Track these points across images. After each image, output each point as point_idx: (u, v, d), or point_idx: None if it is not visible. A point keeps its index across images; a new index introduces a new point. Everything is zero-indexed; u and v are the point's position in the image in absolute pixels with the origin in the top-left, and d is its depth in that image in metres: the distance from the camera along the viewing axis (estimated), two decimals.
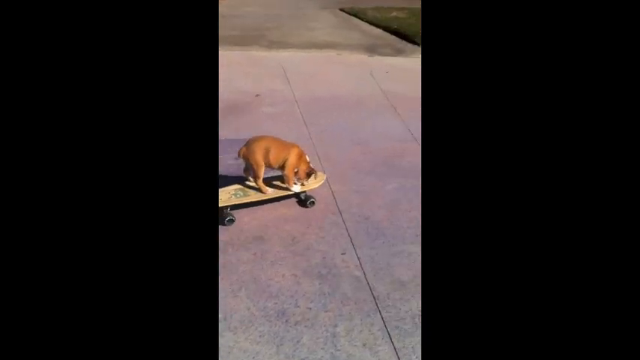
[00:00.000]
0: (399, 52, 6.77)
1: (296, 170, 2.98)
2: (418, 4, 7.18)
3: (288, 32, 7.78)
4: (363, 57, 6.56)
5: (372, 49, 6.90)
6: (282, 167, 2.97)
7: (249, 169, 3.01)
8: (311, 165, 3.03)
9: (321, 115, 4.52)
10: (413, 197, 3.19)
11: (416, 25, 7.62)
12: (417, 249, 2.64)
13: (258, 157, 2.91)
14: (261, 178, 2.98)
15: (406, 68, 6.03)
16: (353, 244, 2.69)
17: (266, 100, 4.89)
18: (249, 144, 2.96)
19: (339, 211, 3.01)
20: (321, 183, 3.14)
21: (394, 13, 8.88)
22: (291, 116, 4.50)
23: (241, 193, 2.98)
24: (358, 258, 2.58)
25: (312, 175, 3.01)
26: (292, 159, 2.95)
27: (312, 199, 3.08)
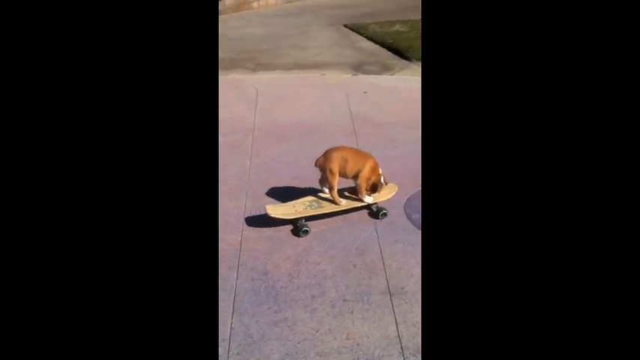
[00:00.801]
0: (385, 69, 6.33)
1: (369, 181, 2.97)
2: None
3: (280, 53, 7.52)
4: (347, 76, 6.18)
5: (358, 68, 6.50)
6: (355, 178, 2.97)
7: (325, 180, 3.03)
8: (382, 178, 3.01)
9: (270, 145, 4.17)
10: (334, 242, 2.77)
11: (413, 39, 7.16)
12: (306, 315, 2.22)
13: (335, 166, 2.92)
14: (336, 189, 2.99)
15: (386, 87, 5.59)
16: (233, 309, 2.30)
17: (223, 129, 4.60)
18: (327, 154, 2.98)
19: (238, 265, 2.63)
20: (393, 194, 3.09)
21: (396, 27, 8.45)
22: (240, 147, 4.19)
23: (316, 205, 2.99)
24: (231, 328, 2.19)
25: (382, 186, 2.99)
26: (366, 171, 2.94)
27: (384, 211, 3.03)
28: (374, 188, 2.98)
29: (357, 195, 3.03)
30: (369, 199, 3.02)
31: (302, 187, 3.33)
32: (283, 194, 3.22)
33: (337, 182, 2.96)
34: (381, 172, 3.00)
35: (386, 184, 3.03)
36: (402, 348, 2.06)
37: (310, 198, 3.04)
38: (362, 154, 3.02)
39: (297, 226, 2.86)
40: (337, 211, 3.00)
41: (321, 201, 3.01)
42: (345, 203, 3.00)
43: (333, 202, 2.99)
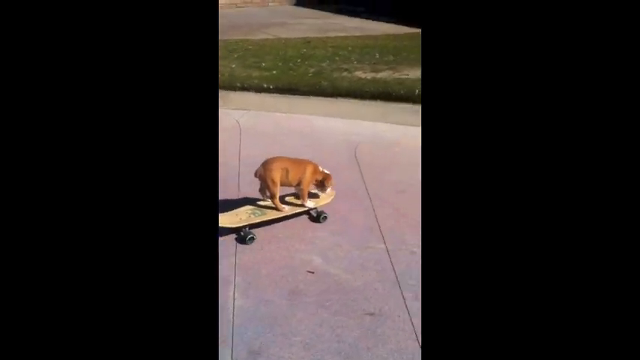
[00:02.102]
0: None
1: (315, 183, 3.16)
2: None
3: None
4: None
5: None
6: (298, 184, 3.14)
7: (265, 189, 3.14)
8: (321, 170, 3.17)
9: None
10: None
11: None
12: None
13: (276, 176, 3.05)
14: (277, 197, 3.11)
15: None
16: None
17: None
18: (265, 165, 3.09)
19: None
20: (331, 198, 3.28)
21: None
22: None
23: (259, 212, 3.10)
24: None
25: (324, 190, 3.18)
26: (308, 175, 3.12)
27: (324, 215, 3.21)
28: (322, 185, 3.18)
29: (297, 200, 3.20)
30: (310, 204, 3.19)
31: (242, 197, 3.40)
32: (225, 205, 3.23)
33: (278, 190, 3.10)
34: (323, 170, 3.18)
35: (329, 183, 3.20)
36: None
37: (252, 207, 3.15)
38: (300, 162, 3.15)
39: (243, 234, 2.95)
40: (280, 217, 3.13)
41: (263, 209, 3.13)
42: (287, 209, 3.15)
43: (275, 209, 3.12)
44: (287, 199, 3.26)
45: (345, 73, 6.39)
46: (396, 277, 2.64)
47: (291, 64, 6.89)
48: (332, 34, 9.43)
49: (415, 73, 6.33)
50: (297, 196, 3.23)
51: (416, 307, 2.39)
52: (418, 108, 5.51)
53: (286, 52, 7.72)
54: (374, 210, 3.34)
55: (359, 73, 6.40)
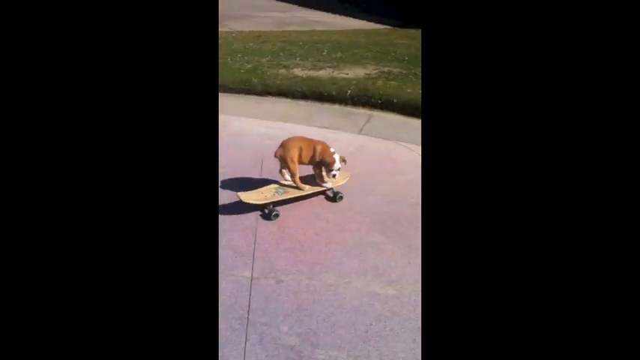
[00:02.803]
0: None
1: (323, 160, 3.25)
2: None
3: None
4: None
5: None
6: (312, 163, 3.30)
7: (286, 168, 3.27)
8: (338, 157, 3.26)
9: None
10: None
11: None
12: None
13: (294, 155, 3.19)
14: (298, 176, 3.26)
15: None
16: None
17: None
18: (284, 145, 3.23)
19: None
20: (347, 179, 3.44)
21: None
22: None
23: (282, 191, 3.24)
24: None
25: (334, 171, 3.25)
26: (318, 153, 3.24)
27: (340, 194, 3.38)
28: (328, 166, 3.24)
29: (315, 182, 3.38)
30: (328, 184, 3.34)
31: (266, 177, 3.52)
32: (250, 184, 3.39)
33: (298, 169, 3.24)
34: (334, 152, 3.28)
35: (344, 162, 3.31)
36: None
37: (276, 186, 3.30)
38: (313, 140, 3.31)
39: (269, 211, 3.10)
40: (301, 196, 3.31)
41: (285, 187, 3.28)
42: (307, 188, 3.30)
43: (296, 188, 3.27)
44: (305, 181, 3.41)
45: (282, 70, 5.97)
46: None
47: (229, 59, 6.44)
48: (290, 28, 9.00)
49: (356, 72, 5.92)
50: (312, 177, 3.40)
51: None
52: (349, 110, 5.13)
53: (231, 46, 7.27)
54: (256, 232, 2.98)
55: (296, 71, 5.98)
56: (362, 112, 5.04)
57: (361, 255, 2.73)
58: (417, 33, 8.66)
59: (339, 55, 6.80)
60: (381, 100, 5.11)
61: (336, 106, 5.09)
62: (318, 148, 3.24)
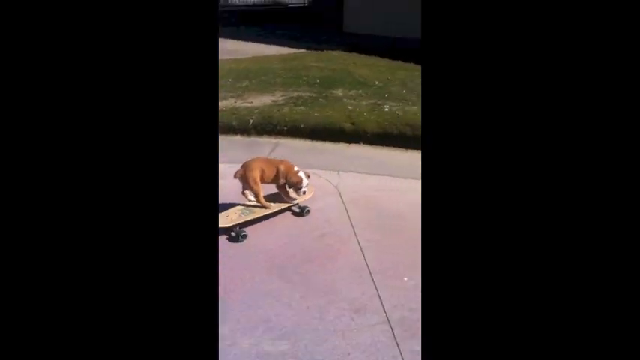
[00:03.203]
0: None
1: (286, 180, 3.29)
2: None
3: None
4: None
5: None
6: (275, 182, 3.33)
7: (249, 189, 3.27)
8: (302, 174, 3.33)
9: None
10: None
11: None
12: None
13: (256, 175, 3.20)
14: (262, 195, 3.27)
15: None
16: None
17: None
18: (245, 166, 3.24)
19: None
20: (312, 193, 3.45)
21: None
22: None
23: (247, 212, 3.22)
24: None
25: (303, 188, 3.31)
26: (282, 172, 3.27)
27: (307, 209, 3.42)
28: (296, 186, 3.30)
29: (280, 198, 3.41)
30: (295, 201, 3.37)
31: (229, 201, 3.35)
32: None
33: (261, 189, 3.25)
34: (298, 170, 3.32)
35: (308, 177, 3.38)
36: None
37: (241, 207, 3.27)
38: (274, 161, 3.41)
39: (236, 233, 3.06)
40: (267, 215, 3.31)
41: (251, 208, 3.27)
42: (274, 206, 3.33)
43: (262, 207, 3.28)
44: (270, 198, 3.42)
45: None
46: None
47: None
48: None
49: (262, 100, 5.70)
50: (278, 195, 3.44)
51: None
52: (254, 140, 4.87)
53: None
54: None
55: None
56: (267, 141, 4.80)
57: (252, 306, 2.42)
58: (333, 54, 8.67)
59: (245, 83, 6.56)
60: (286, 126, 4.90)
61: (238, 137, 4.82)
62: (282, 168, 3.29)
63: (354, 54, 8.11)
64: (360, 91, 5.97)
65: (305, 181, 3.31)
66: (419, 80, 6.34)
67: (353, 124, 4.78)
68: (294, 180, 3.27)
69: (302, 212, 3.40)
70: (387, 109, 5.13)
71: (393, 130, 4.63)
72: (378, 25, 9.75)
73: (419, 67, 7.20)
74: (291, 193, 3.37)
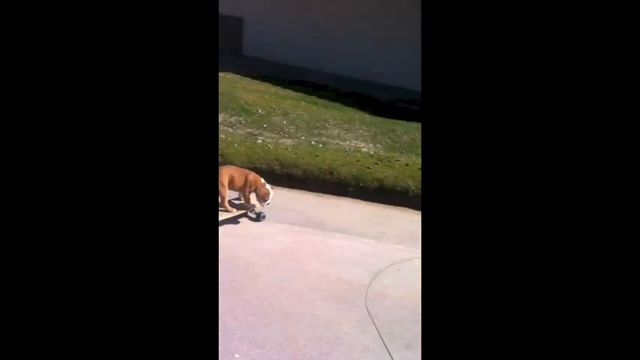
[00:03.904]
0: None
1: (254, 190, 3.69)
2: None
3: None
4: None
5: None
6: (242, 190, 3.74)
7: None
8: (262, 182, 3.73)
9: None
10: None
11: None
12: None
13: (225, 180, 3.57)
14: (227, 200, 3.63)
15: None
16: None
17: None
18: None
19: None
20: (270, 198, 3.72)
21: None
22: None
23: None
24: None
25: (266, 192, 3.69)
26: (250, 181, 3.68)
27: (263, 214, 3.75)
28: (263, 197, 3.66)
29: (241, 204, 3.77)
30: (258, 207, 3.71)
31: None
32: None
33: (227, 194, 3.59)
34: (264, 183, 3.70)
35: (272, 188, 3.75)
36: None
37: None
38: (243, 170, 3.76)
39: None
40: (228, 218, 3.61)
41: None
42: (235, 210, 3.66)
43: (225, 210, 3.57)
44: (233, 201, 3.78)
45: None
46: None
47: None
48: None
49: None
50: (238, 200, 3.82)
51: None
52: None
53: None
54: None
55: None
56: None
57: None
58: (225, 76, 8.36)
59: None
60: None
61: None
62: (250, 178, 3.67)
63: (248, 78, 7.89)
64: (241, 119, 5.74)
65: (271, 194, 3.69)
66: (301, 111, 6.27)
67: (221, 155, 4.53)
68: (262, 192, 3.65)
69: (258, 217, 3.75)
70: (259, 141, 4.94)
71: (262, 165, 4.44)
72: (282, 52, 9.66)
73: (307, 98, 7.18)
74: (252, 200, 3.74)
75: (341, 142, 5.34)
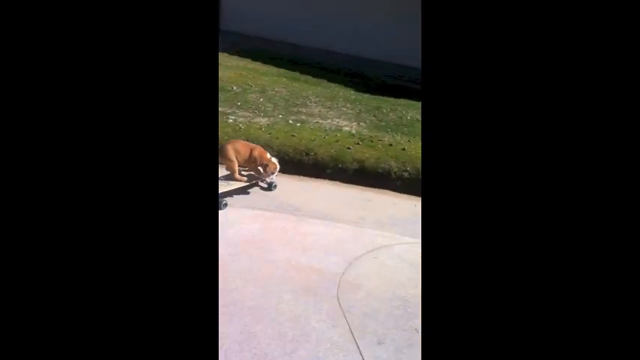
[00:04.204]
0: None
1: (260, 165, 3.86)
2: None
3: None
4: None
5: None
6: (248, 162, 3.89)
7: (226, 167, 3.82)
8: (270, 157, 3.91)
9: None
10: None
11: None
12: None
13: (232, 155, 3.78)
14: (237, 172, 3.84)
15: None
16: None
17: None
18: (222, 148, 3.77)
19: None
20: (278, 169, 3.93)
21: None
22: None
23: (225, 184, 3.75)
24: None
25: (273, 165, 3.87)
26: (256, 155, 3.84)
27: (275, 183, 3.96)
28: (265, 167, 3.80)
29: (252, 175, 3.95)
30: (271, 177, 3.87)
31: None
32: None
33: (236, 166, 3.79)
34: (270, 157, 3.87)
35: (272, 160, 3.89)
36: None
37: (220, 180, 3.73)
38: (249, 144, 3.90)
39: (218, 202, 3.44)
40: (242, 187, 3.81)
41: (228, 181, 3.79)
42: (246, 179, 3.86)
43: (237, 181, 3.80)
44: (244, 172, 3.97)
45: None
46: None
47: None
48: None
49: None
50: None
51: None
52: None
53: None
54: None
55: None
56: None
57: None
58: None
59: None
60: None
61: None
62: (255, 153, 3.81)
63: (225, 54, 7.51)
64: None
65: (278, 168, 3.85)
66: (280, 88, 5.94)
67: None
68: (271, 167, 3.81)
69: (270, 187, 3.92)
70: (230, 121, 4.63)
71: None
72: (266, 26, 9.24)
73: (288, 74, 6.84)
74: (260, 171, 3.88)
75: (321, 121, 5.04)
